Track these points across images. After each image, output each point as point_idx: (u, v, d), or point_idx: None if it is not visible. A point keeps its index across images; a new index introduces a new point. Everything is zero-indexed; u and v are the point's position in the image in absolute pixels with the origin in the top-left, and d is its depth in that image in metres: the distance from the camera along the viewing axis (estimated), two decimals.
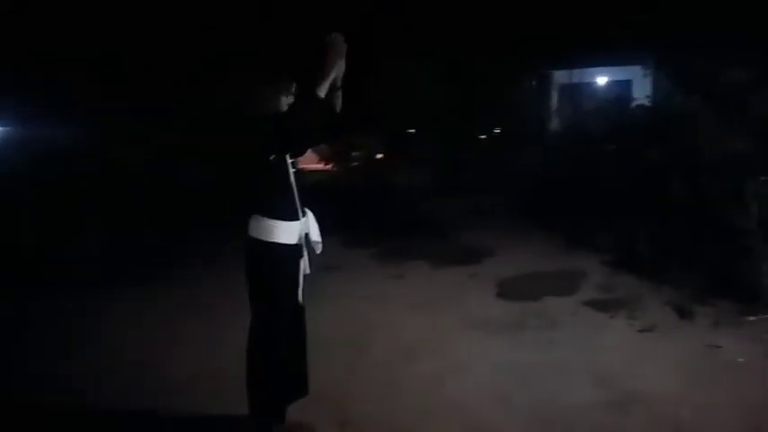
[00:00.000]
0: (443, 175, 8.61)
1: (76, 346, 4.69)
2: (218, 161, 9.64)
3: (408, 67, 9.37)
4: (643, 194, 7.43)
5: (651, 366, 4.06)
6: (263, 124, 2.87)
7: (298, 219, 3.07)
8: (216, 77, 9.25)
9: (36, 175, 8.17)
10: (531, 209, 9.21)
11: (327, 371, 3.82)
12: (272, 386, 3.05)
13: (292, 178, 3.03)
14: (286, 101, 3.00)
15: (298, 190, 3.06)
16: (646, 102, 12.78)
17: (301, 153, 3.01)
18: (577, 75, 15.34)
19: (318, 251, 3.22)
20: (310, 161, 27.12)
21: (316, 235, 3.17)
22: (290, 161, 3.00)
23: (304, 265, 3.17)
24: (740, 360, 4.10)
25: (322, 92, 2.82)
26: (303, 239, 3.12)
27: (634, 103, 12.75)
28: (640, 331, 4.74)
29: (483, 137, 9.86)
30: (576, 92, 15.20)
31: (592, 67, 16.39)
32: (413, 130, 11.69)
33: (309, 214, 3.17)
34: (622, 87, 18.60)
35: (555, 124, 11.84)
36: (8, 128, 9.89)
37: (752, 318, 4.83)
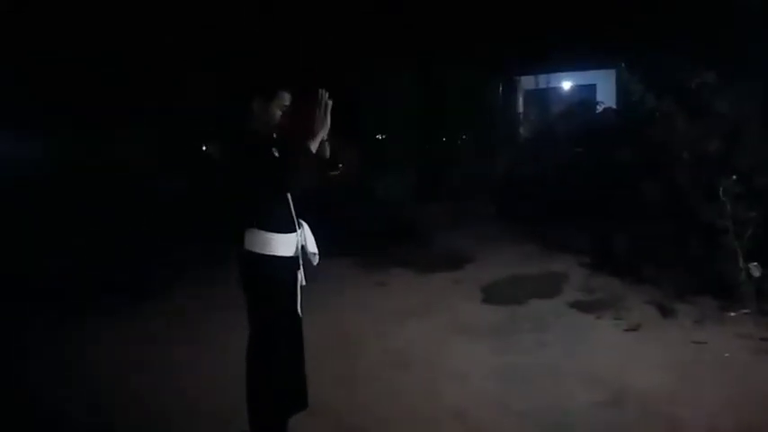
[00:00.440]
0: (421, 181, 8.63)
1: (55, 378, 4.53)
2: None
3: (381, 72, 9.39)
4: (616, 196, 7.60)
5: (641, 364, 4.13)
6: (261, 169, 2.86)
7: (294, 231, 3.04)
8: (213, 82, 9.13)
9: None
10: (505, 213, 9.31)
11: (322, 382, 3.76)
12: (272, 400, 3.01)
13: None
14: (279, 114, 2.98)
15: (293, 202, 3.05)
16: (608, 104, 13.12)
17: (293, 192, 3.01)
18: (543, 80, 15.63)
19: (315, 263, 3.19)
20: None
21: (312, 246, 3.15)
22: None
23: (300, 276, 3.14)
24: (726, 355, 4.20)
25: (313, 148, 2.89)
26: (300, 251, 3.09)
27: (601, 107, 13.08)
28: (627, 330, 4.83)
29: (459, 142, 9.92)
30: (542, 97, 15.49)
31: (557, 72, 16.75)
32: (381, 136, 11.73)
33: (305, 226, 3.14)
34: (587, 91, 19.06)
35: (523, 129, 12.02)
36: None
37: (732, 313, 4.96)
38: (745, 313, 4.94)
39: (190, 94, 9.92)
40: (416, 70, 9.58)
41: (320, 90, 2.90)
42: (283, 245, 2.98)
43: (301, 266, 3.12)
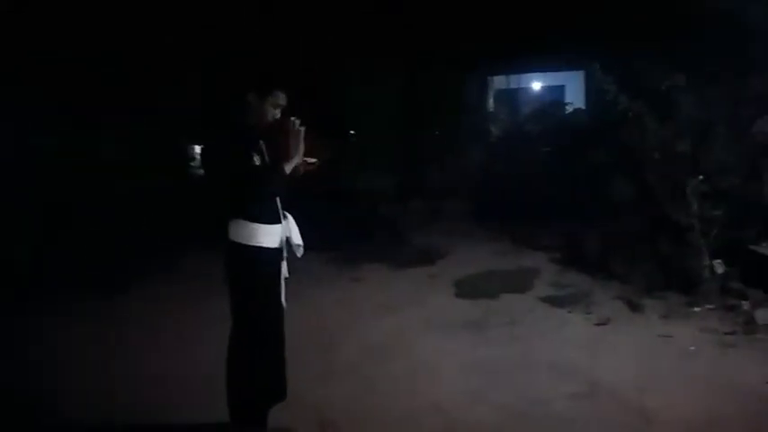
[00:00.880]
0: (399, 178, 8.67)
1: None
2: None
3: (361, 72, 9.41)
4: (587, 194, 7.76)
5: (611, 357, 4.24)
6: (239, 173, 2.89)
7: (279, 222, 3.05)
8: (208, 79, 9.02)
9: None
10: (480, 211, 9.41)
11: (300, 374, 3.75)
12: (254, 391, 3.02)
13: None
14: (272, 113, 2.98)
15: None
16: (575, 105, 13.36)
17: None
18: (514, 80, 15.82)
19: (299, 254, 3.20)
20: None
21: (297, 238, 3.16)
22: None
23: (284, 268, 3.14)
24: (692, 348, 4.34)
25: (288, 169, 2.94)
26: (284, 243, 3.10)
27: (571, 107, 13.31)
28: (597, 325, 4.94)
29: (435, 140, 9.99)
30: (513, 96, 15.68)
31: (527, 72, 16.97)
32: (353, 133, 11.74)
33: (290, 218, 3.15)
34: (556, 92, 19.36)
35: (495, 128, 12.15)
36: None
37: (697, 309, 5.12)
38: (710, 309, 5.10)
39: (179, 93, 9.82)
40: (395, 70, 9.61)
41: (291, 119, 2.96)
42: (268, 236, 2.99)
43: (285, 258, 3.13)
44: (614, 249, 6.41)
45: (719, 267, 5.48)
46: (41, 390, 3.95)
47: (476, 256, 7.35)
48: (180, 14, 9.31)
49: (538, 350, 4.43)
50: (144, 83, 9.34)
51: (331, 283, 6.32)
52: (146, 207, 8.46)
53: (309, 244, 3.24)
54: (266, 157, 3.00)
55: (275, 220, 3.04)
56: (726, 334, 4.57)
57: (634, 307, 5.28)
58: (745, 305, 4.98)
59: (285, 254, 3.13)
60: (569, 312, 5.28)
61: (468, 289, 6.03)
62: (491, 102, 13.76)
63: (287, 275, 3.18)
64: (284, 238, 3.10)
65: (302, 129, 2.98)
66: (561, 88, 19.17)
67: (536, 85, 19.43)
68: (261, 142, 3.02)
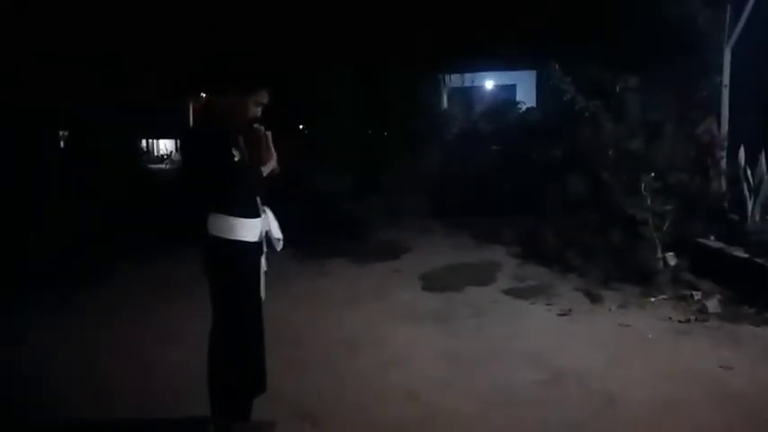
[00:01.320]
0: (359, 176, 8.72)
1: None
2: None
3: (320, 71, 9.42)
4: (540, 191, 7.99)
5: (575, 346, 4.42)
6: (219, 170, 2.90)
7: (259, 216, 3.06)
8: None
9: None
10: (439, 207, 9.57)
11: (273, 367, 3.74)
12: (237, 384, 3.02)
13: None
14: (254, 110, 3.00)
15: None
16: (526, 104, 13.71)
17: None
18: (468, 79, 16.08)
19: (279, 248, 3.22)
20: None
21: (277, 232, 3.17)
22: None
23: (263, 262, 3.16)
24: (650, 336, 4.56)
25: (264, 172, 3.03)
26: (264, 237, 3.11)
27: (523, 106, 13.64)
28: (559, 315, 5.13)
29: (392, 138, 10.08)
30: (466, 95, 15.95)
31: (480, 71, 17.29)
32: (306, 130, 11.75)
33: (269, 212, 3.16)
34: (507, 91, 19.79)
35: (450, 126, 12.35)
36: None
37: (653, 299, 5.37)
38: (664, 299, 5.36)
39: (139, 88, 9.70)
40: (351, 69, 9.65)
41: (257, 127, 3.02)
42: (248, 230, 2.99)
43: (264, 252, 3.14)
44: (571, 243, 6.64)
45: (671, 259, 5.76)
46: (26, 386, 3.84)
47: (437, 251, 7.48)
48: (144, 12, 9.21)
49: (505, 340, 4.56)
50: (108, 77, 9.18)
51: (295, 278, 6.31)
52: (104, 202, 8.30)
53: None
54: (245, 155, 3.01)
55: (255, 214, 3.05)
56: (680, 322, 4.82)
57: (593, 298, 5.50)
58: (697, 295, 5.26)
59: (265, 248, 3.15)
60: (532, 304, 5.46)
61: (434, 282, 6.14)
62: (445, 100, 13.95)
63: (265, 269, 3.20)
64: (264, 232, 3.11)
65: (269, 133, 3.05)
66: (513, 87, 19.63)
67: (488, 84, 19.83)
68: (240, 139, 3.03)
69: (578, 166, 6.71)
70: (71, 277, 6.14)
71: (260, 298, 3.15)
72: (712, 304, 5.00)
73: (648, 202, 5.85)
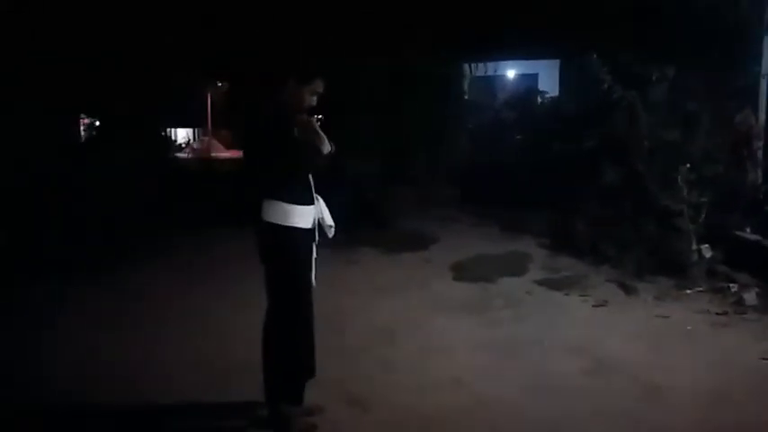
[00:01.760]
0: (388, 166, 8.74)
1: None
2: None
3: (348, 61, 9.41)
4: (570, 181, 7.94)
5: (614, 336, 4.42)
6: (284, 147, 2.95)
7: (312, 203, 3.11)
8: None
9: None
10: (466, 196, 9.57)
11: (317, 354, 3.83)
12: (291, 369, 3.07)
13: None
14: (309, 99, 3.05)
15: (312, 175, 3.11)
16: (551, 93, 13.61)
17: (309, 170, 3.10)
18: (490, 68, 16.00)
19: (331, 235, 3.27)
20: (218, 149, 25.79)
21: (329, 219, 3.21)
22: None
23: (315, 249, 3.20)
24: (688, 328, 4.55)
25: (324, 151, 2.99)
26: (316, 224, 3.15)
27: (548, 95, 13.54)
28: (595, 306, 5.13)
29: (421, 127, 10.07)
30: (490, 84, 15.86)
31: (503, 59, 17.20)
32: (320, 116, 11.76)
33: (320, 200, 3.20)
34: (529, 80, 19.64)
35: (474, 115, 12.31)
36: None
37: (688, 291, 5.35)
38: (700, 291, 5.34)
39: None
40: (379, 58, 9.63)
41: (300, 118, 3.02)
42: (302, 216, 3.04)
43: (317, 239, 3.18)
44: (603, 234, 6.60)
45: (707, 251, 5.72)
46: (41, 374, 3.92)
47: (466, 241, 7.48)
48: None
49: (543, 330, 4.57)
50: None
51: (326, 265, 6.25)
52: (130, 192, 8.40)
53: None
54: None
55: (309, 201, 3.09)
56: (718, 314, 4.80)
57: (628, 289, 5.48)
58: (733, 287, 5.24)
59: (317, 235, 3.19)
60: (566, 295, 5.45)
61: (465, 273, 6.14)
62: (468, 88, 13.88)
63: (315, 256, 3.24)
64: (317, 219, 3.15)
65: (311, 119, 3.07)
66: (535, 76, 19.51)
67: (510, 73, 19.73)
68: (297, 128, 3.06)
69: (612, 156, 6.65)
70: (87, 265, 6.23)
71: (312, 284, 3.20)
72: (750, 297, 4.98)
73: (685, 194, 5.81)
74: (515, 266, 6.32)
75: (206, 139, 28.73)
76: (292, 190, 3.02)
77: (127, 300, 5.33)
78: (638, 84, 6.46)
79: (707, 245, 5.78)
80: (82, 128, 12.30)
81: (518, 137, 12.25)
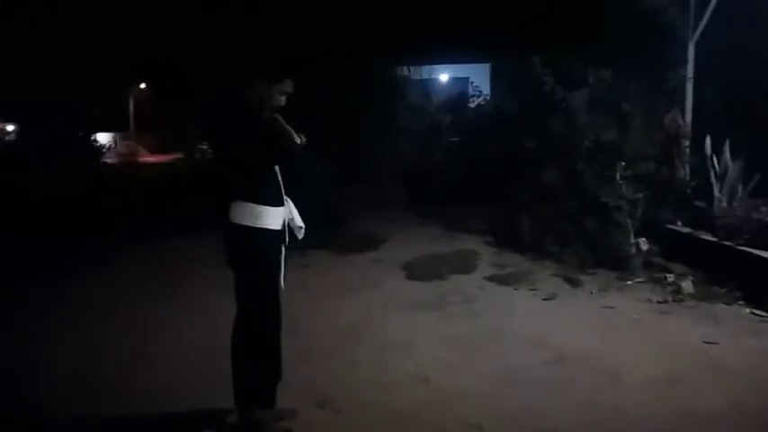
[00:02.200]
0: (335, 167, 8.70)
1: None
2: None
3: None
4: (509, 181, 8.19)
5: (567, 327, 4.59)
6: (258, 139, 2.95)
7: (282, 204, 3.07)
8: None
9: None
10: (411, 198, 9.69)
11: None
12: (265, 373, 3.02)
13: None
14: (279, 99, 3.02)
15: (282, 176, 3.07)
16: (483, 96, 14.02)
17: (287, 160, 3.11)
18: (425, 71, 16.29)
19: (300, 236, 3.24)
20: (142, 154, 25.00)
21: (299, 220, 3.18)
22: None
23: (284, 250, 3.17)
24: (635, 317, 4.78)
25: (298, 139, 3.00)
26: (286, 225, 3.11)
27: (483, 98, 13.91)
28: (545, 300, 5.30)
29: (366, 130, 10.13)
30: (426, 87, 16.13)
31: (437, 64, 17.57)
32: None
33: (289, 201, 3.16)
34: (461, 83, 20.11)
35: (416, 117, 12.48)
36: None
37: (629, 282, 5.62)
38: (640, 282, 5.62)
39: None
40: (327, 60, 9.64)
41: (268, 114, 3.01)
42: (273, 217, 3.00)
43: (286, 240, 3.15)
44: (545, 231, 6.83)
45: (644, 245, 6.05)
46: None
47: (414, 240, 7.57)
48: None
49: (499, 324, 4.69)
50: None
51: None
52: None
53: None
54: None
55: (280, 202, 3.06)
56: (659, 303, 5.07)
57: (573, 282, 5.70)
58: (670, 277, 5.54)
59: (287, 236, 3.16)
60: (516, 290, 5.61)
61: (417, 271, 6.21)
62: (407, 92, 14.06)
63: (284, 258, 3.20)
64: (286, 221, 3.12)
65: (277, 116, 3.04)
66: (465, 80, 20.01)
67: (443, 77, 20.17)
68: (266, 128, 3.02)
69: (552, 155, 6.90)
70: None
71: (281, 287, 3.15)
72: (687, 285, 5.28)
73: (623, 190, 6.10)
74: (464, 264, 6.44)
75: (131, 143, 27.73)
76: (263, 190, 2.98)
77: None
78: (576, 86, 6.77)
79: (644, 238, 6.11)
80: None
81: (455, 139, 12.55)
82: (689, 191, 6.50)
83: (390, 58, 11.32)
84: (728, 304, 4.98)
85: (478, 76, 17.57)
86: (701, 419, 3.21)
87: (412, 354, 4.12)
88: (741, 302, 4.94)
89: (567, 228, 6.65)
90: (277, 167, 3.05)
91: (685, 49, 6.56)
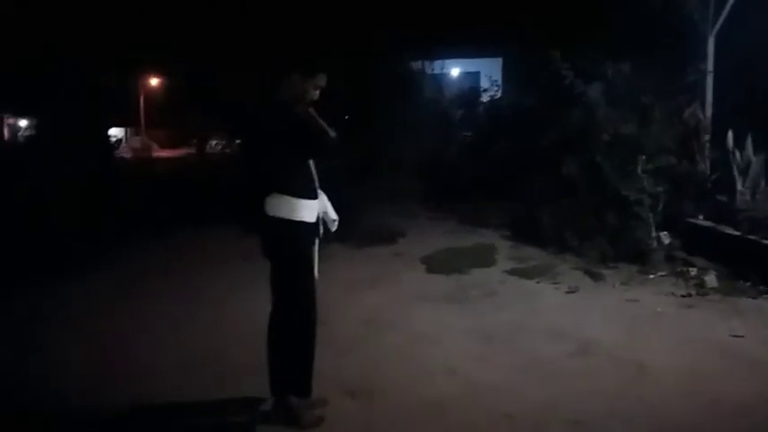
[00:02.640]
0: (353, 163, 8.75)
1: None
2: None
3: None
4: (529, 175, 8.19)
5: (592, 320, 4.60)
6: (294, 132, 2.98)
7: (316, 197, 3.10)
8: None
9: None
10: (428, 192, 9.71)
11: None
12: (303, 362, 3.06)
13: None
14: (312, 93, 3.04)
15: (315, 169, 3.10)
16: (495, 90, 14.01)
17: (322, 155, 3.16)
18: (438, 65, 16.31)
19: (334, 229, 3.27)
20: (155, 149, 25.16)
21: (333, 213, 3.22)
22: None
23: (317, 242, 3.21)
24: (659, 310, 4.78)
25: (332, 132, 3.03)
26: (320, 218, 3.15)
27: (497, 91, 13.90)
28: (568, 293, 5.31)
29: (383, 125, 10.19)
30: (438, 82, 16.15)
31: (447, 58, 17.57)
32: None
33: (323, 194, 3.19)
34: (471, 78, 20.14)
35: (430, 112, 12.50)
36: None
37: (651, 276, 5.62)
38: (662, 275, 5.61)
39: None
40: (344, 62, 9.68)
41: (302, 109, 3.03)
42: (307, 210, 3.04)
43: (321, 233, 3.18)
44: (565, 225, 6.83)
45: (665, 238, 6.04)
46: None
47: (431, 234, 7.61)
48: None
49: (524, 316, 4.71)
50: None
51: None
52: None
53: None
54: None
55: (314, 195, 3.09)
56: (683, 296, 5.07)
57: (595, 276, 5.71)
58: (693, 271, 5.53)
59: (321, 228, 3.19)
60: (538, 283, 5.63)
61: (437, 265, 6.23)
62: (423, 86, 14.09)
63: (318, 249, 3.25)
64: (320, 214, 3.15)
65: (311, 110, 3.07)
66: (477, 74, 20.03)
67: (455, 71, 20.17)
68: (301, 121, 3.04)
69: (572, 148, 6.89)
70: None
71: (315, 278, 3.19)
72: (711, 279, 5.27)
73: (644, 184, 6.09)
74: (483, 258, 6.46)
75: (144, 138, 27.92)
76: (298, 183, 3.01)
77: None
78: (595, 80, 6.75)
79: (665, 232, 6.10)
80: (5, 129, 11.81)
81: (468, 133, 12.56)
82: (710, 185, 6.48)
83: (405, 52, 11.32)
84: (753, 298, 4.97)
85: (490, 71, 17.59)
86: (730, 411, 3.22)
87: (438, 346, 4.15)
88: (766, 296, 4.93)
89: (588, 221, 6.63)
90: (311, 161, 3.08)
91: (705, 42, 6.54)
